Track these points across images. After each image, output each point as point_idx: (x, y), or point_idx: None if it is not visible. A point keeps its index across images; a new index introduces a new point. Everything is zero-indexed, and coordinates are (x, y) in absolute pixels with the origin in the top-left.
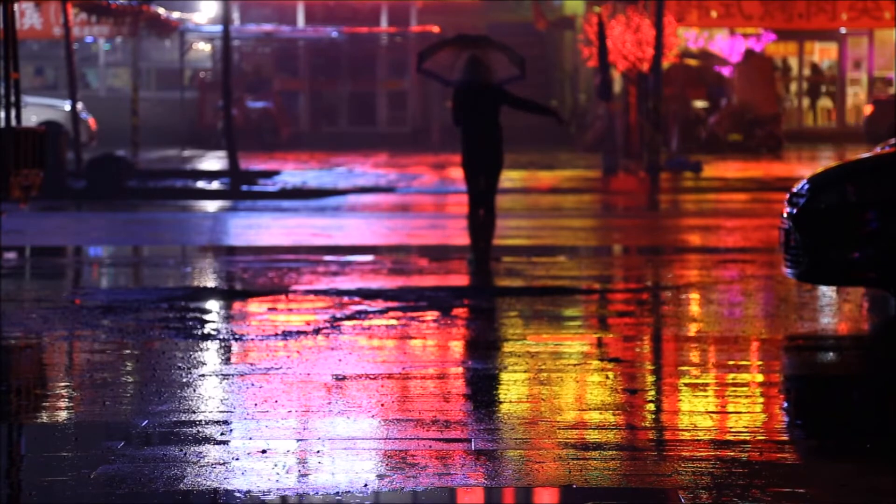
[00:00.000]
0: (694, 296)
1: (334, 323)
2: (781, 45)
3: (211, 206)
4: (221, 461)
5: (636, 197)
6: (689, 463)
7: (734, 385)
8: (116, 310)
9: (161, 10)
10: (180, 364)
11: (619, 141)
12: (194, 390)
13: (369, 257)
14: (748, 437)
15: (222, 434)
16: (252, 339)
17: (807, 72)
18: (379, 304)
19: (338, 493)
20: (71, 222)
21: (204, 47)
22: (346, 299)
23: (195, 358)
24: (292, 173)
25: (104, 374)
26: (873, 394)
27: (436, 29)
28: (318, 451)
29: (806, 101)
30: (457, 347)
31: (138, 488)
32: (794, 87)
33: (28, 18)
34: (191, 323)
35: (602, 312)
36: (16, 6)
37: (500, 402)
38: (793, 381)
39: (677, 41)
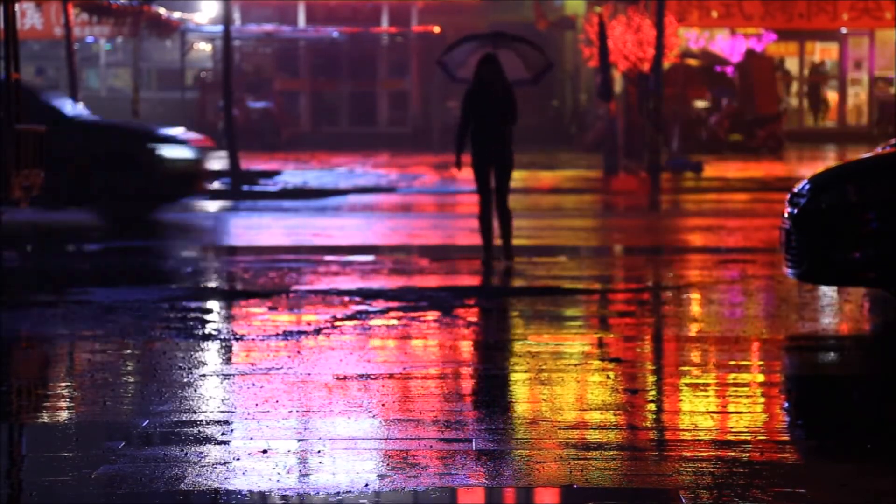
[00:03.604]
0: (695, 296)
1: (335, 323)
2: (782, 45)
3: (212, 205)
4: (222, 461)
5: (637, 197)
6: (689, 463)
7: (735, 385)
8: (117, 310)
9: (162, 11)
10: (181, 364)
11: (620, 141)
12: (195, 390)
13: (370, 257)
14: (749, 437)
15: (223, 434)
16: (253, 339)
17: (807, 72)
18: (380, 304)
19: (338, 493)
20: (71, 222)
21: (205, 47)
22: (346, 299)
23: (196, 358)
24: (293, 173)
25: (105, 374)
26: (873, 394)
27: (436, 29)
28: (319, 451)
29: (807, 101)
30: (458, 347)
31: (139, 488)
32: (794, 87)
33: (29, 18)
34: (192, 323)
35: (603, 312)
36: (17, 6)
37: (501, 402)
38: (793, 381)
39: (678, 41)
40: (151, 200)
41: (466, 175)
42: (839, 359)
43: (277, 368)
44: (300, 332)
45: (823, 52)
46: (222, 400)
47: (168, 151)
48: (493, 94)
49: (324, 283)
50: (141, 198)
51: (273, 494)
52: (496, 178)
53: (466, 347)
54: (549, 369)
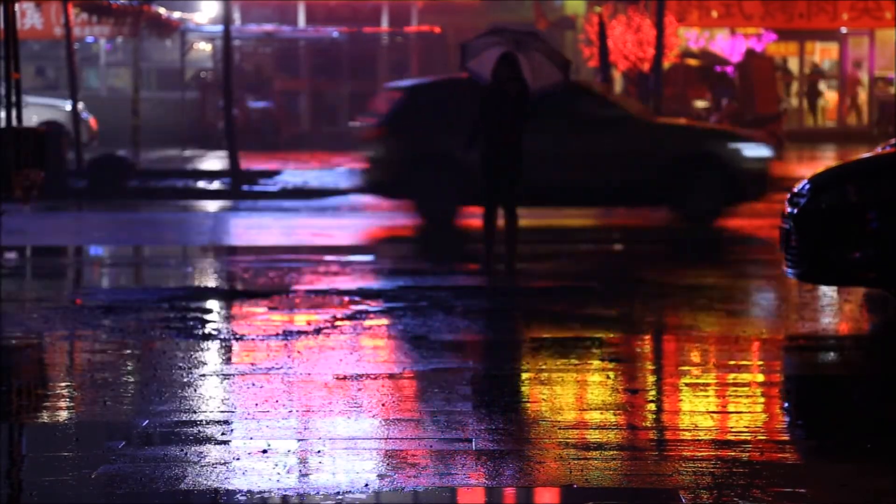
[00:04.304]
0: (695, 295)
1: (335, 323)
2: (782, 44)
3: (212, 205)
4: (222, 461)
5: None
6: (689, 463)
7: (735, 385)
8: (117, 309)
9: (162, 10)
10: (181, 364)
11: None
12: (195, 390)
13: (370, 257)
14: (749, 437)
15: (223, 434)
16: (253, 339)
17: (807, 71)
18: (380, 304)
19: (338, 492)
20: (72, 222)
21: (205, 47)
22: (346, 299)
23: (196, 358)
24: (293, 173)
25: (105, 374)
26: (873, 394)
27: (436, 29)
28: (319, 451)
29: (806, 101)
30: (457, 347)
31: (139, 488)
32: (794, 87)
33: (29, 18)
34: (192, 323)
35: (603, 312)
36: (17, 6)
37: (501, 402)
38: (793, 381)
39: (678, 41)
40: (730, 200)
41: None
42: (839, 359)
43: (277, 368)
44: (300, 332)
45: (823, 52)
46: (222, 400)
47: (749, 151)
48: (509, 94)
49: (324, 283)
50: (721, 197)
51: (273, 494)
52: (505, 180)
53: (466, 347)
54: (549, 369)
